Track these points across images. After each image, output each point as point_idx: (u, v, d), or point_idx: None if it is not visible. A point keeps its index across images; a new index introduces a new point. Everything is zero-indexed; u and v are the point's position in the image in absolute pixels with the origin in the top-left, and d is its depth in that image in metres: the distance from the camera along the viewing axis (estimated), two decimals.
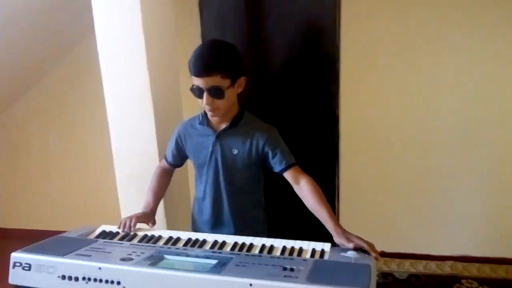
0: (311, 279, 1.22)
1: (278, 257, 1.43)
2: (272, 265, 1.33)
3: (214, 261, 1.36)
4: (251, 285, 1.21)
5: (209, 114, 1.70)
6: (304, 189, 1.67)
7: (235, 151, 1.72)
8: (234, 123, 1.73)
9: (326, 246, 1.50)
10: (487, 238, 3.11)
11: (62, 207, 3.84)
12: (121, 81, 2.04)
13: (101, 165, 3.49)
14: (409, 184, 3.16)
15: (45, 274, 1.40)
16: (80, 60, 3.52)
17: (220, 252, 1.47)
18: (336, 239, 1.51)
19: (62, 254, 1.42)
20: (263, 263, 1.35)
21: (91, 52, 3.32)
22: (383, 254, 3.25)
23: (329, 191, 3.25)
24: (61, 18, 3.09)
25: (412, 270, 3.08)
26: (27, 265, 1.42)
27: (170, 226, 2.10)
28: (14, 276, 1.43)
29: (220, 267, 1.31)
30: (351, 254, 1.43)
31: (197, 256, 1.42)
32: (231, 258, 1.39)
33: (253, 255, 1.44)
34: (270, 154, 1.72)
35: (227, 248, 1.52)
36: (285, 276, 1.25)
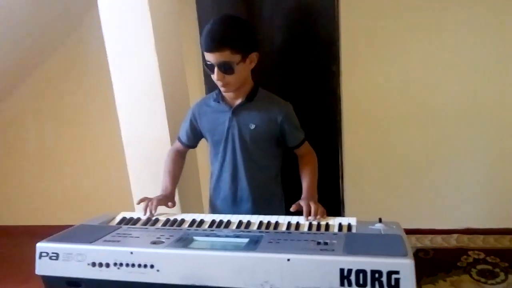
0: (348, 250, 1.22)
1: (308, 233, 1.44)
2: (304, 240, 1.33)
3: (246, 239, 1.36)
4: (289, 260, 1.21)
5: (222, 89, 1.70)
6: (302, 162, 1.83)
7: (252, 126, 1.72)
8: (250, 98, 1.73)
9: (352, 220, 1.51)
10: (490, 210, 3.17)
11: (65, 201, 3.78)
12: (129, 68, 2.01)
13: (109, 156, 3.43)
14: (412, 160, 3.18)
15: (74, 262, 1.38)
16: (77, 49, 3.45)
17: (249, 231, 1.46)
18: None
19: (89, 241, 1.40)
20: (294, 239, 1.35)
21: (89, 40, 3.30)
22: None
23: (333, 169, 3.28)
24: (55, 9, 3.02)
25: (419, 245, 3.12)
26: (55, 255, 1.40)
27: (184, 210, 2.08)
28: (41, 266, 1.41)
29: (253, 245, 1.31)
30: (378, 226, 1.44)
31: (227, 236, 1.42)
32: (262, 236, 1.39)
33: (282, 232, 1.45)
34: (286, 129, 1.75)
35: (254, 227, 1.52)
36: (321, 250, 1.25)
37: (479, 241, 3.09)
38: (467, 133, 3.06)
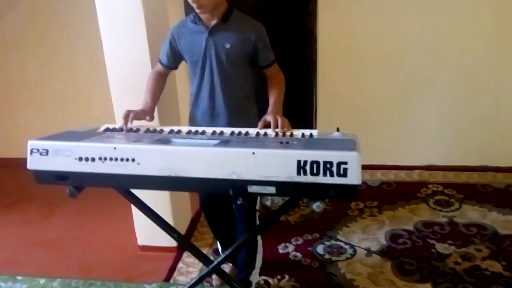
0: (306, 147, 1.40)
1: (274, 138, 1.61)
2: (270, 142, 1.51)
3: (218, 141, 1.53)
4: (253, 153, 1.38)
5: (197, 11, 1.82)
6: (271, 81, 1.99)
7: (228, 45, 1.86)
8: (225, 19, 1.86)
9: (315, 132, 1.68)
10: (451, 149, 3.40)
11: (49, 132, 3.87)
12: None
13: (93, 84, 3.51)
14: (381, 100, 3.36)
15: (62, 157, 1.53)
16: None
17: (221, 136, 1.63)
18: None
19: (76, 139, 1.55)
20: (261, 141, 1.53)
21: None
22: None
23: (308, 104, 3.46)
24: None
25: (384, 179, 3.36)
26: (45, 151, 1.54)
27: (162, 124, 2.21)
28: (32, 161, 1.56)
29: (224, 144, 1.48)
30: (336, 134, 1.62)
31: (201, 139, 1.59)
32: (232, 139, 1.56)
33: (251, 137, 1.62)
34: (259, 48, 1.90)
35: (226, 135, 1.69)
36: (282, 147, 1.43)
37: (439, 177, 3.33)
38: (432, 76, 3.23)
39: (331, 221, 2.85)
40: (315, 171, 1.34)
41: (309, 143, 1.47)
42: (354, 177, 1.33)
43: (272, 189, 1.40)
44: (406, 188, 3.21)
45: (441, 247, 2.53)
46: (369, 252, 2.53)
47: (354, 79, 3.34)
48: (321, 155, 1.34)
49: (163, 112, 2.23)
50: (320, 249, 2.59)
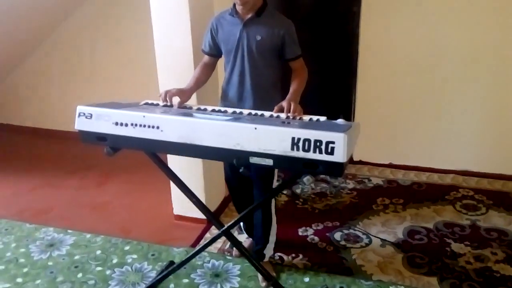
0: (301, 127, 1.60)
1: (282, 119, 1.82)
2: (274, 121, 1.72)
3: (230, 117, 1.76)
4: (256, 128, 1.59)
5: (239, 7, 2.07)
6: (294, 74, 2.18)
7: (258, 37, 2.09)
8: (259, 14, 2.10)
9: (322, 118, 1.86)
10: (488, 156, 3.38)
11: None
12: None
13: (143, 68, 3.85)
14: (418, 103, 3.41)
15: (102, 121, 1.83)
16: None
17: (236, 115, 1.86)
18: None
19: (116, 108, 1.85)
20: (267, 120, 1.75)
21: None
22: (391, 165, 3.60)
23: (347, 105, 3.60)
24: None
25: (415, 179, 3.42)
26: (89, 115, 1.85)
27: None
28: (79, 123, 1.87)
29: (234, 120, 1.71)
30: (340, 121, 1.79)
31: (218, 115, 1.82)
32: (244, 117, 1.79)
33: (261, 117, 1.84)
34: (286, 42, 2.11)
35: (244, 115, 1.91)
36: (282, 126, 1.63)
37: (472, 182, 3.34)
38: (469, 80, 3.23)
39: (355, 212, 2.99)
40: (306, 148, 1.54)
41: (306, 124, 1.67)
42: (340, 156, 1.51)
43: (270, 161, 1.61)
44: (436, 190, 3.26)
45: (457, 247, 2.59)
46: (383, 242, 2.64)
47: (392, 81, 3.41)
48: (312, 134, 1.53)
49: (203, 93, 2.48)
50: (337, 235, 2.74)
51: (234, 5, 2.11)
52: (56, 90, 4.43)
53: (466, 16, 3.12)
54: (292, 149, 1.55)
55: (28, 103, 4.61)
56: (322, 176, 3.40)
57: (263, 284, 2.32)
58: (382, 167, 3.60)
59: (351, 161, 3.64)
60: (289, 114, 1.89)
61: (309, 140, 1.53)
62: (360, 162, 3.66)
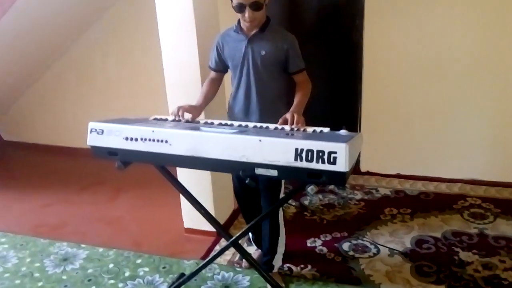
0: (306, 138, 1.65)
1: (286, 131, 1.87)
2: (278, 133, 1.77)
3: (236, 130, 1.82)
4: (260, 140, 1.65)
5: (247, 25, 2.14)
6: (298, 87, 2.24)
7: (263, 52, 2.16)
8: (262, 29, 2.17)
9: (325, 129, 1.91)
10: (496, 164, 3.39)
11: None
12: (170, 10, 2.53)
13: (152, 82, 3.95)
14: (424, 113, 3.44)
15: (113, 137, 1.90)
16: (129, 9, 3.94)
17: (242, 128, 1.92)
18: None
19: (126, 123, 1.92)
20: (271, 132, 1.80)
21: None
22: (398, 176, 3.62)
23: (352, 117, 3.64)
24: None
25: (423, 189, 3.44)
26: (101, 130, 1.92)
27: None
28: (91, 139, 1.94)
29: (239, 132, 1.77)
30: (342, 131, 1.83)
31: (224, 129, 1.89)
32: (249, 130, 1.85)
33: (266, 129, 1.90)
34: (290, 55, 2.18)
35: (249, 127, 1.97)
36: (286, 137, 1.69)
37: (480, 191, 3.34)
38: (476, 89, 3.25)
39: (363, 223, 3.01)
40: (309, 158, 1.58)
41: (309, 136, 1.72)
42: (342, 165, 1.55)
43: (274, 172, 1.66)
44: (444, 199, 3.27)
45: (465, 255, 2.61)
46: (391, 252, 2.67)
47: (398, 91, 3.44)
48: (315, 145, 1.58)
49: (210, 108, 2.55)
50: (345, 246, 2.77)
51: (239, 21, 2.19)
52: (69, 108, 4.54)
53: (472, 24, 3.15)
54: (296, 159, 1.60)
55: (41, 122, 4.73)
56: (330, 187, 3.46)
57: None
58: (390, 177, 3.63)
59: (358, 172, 3.69)
60: (293, 126, 1.95)
61: (312, 151, 1.58)
62: (368, 173, 3.69)
